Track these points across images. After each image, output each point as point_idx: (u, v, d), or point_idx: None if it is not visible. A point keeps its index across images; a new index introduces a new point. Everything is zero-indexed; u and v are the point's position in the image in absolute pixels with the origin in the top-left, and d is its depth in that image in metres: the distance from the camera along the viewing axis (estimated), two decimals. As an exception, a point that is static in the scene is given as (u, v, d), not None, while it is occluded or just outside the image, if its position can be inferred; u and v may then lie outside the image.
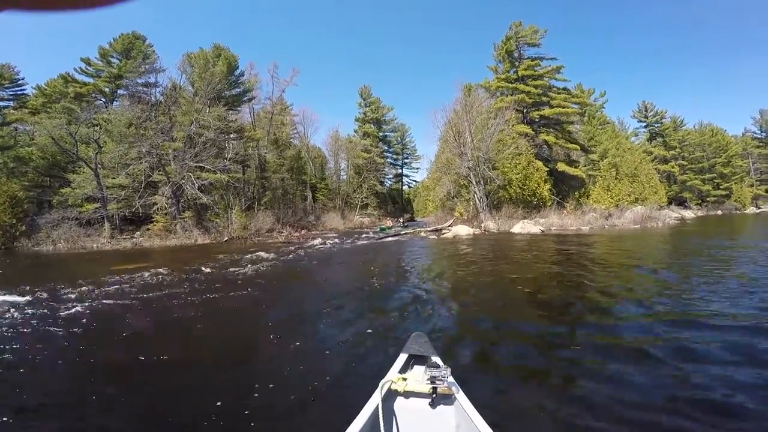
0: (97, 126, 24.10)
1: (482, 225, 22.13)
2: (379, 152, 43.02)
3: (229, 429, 2.62)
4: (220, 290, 7.37)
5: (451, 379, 2.06)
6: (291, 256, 13.08)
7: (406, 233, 21.72)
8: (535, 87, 28.14)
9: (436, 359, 2.32)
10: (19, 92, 29.65)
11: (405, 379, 2.12)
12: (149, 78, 27.92)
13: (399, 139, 49.46)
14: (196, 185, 22.92)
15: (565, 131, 30.06)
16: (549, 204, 25.42)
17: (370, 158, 40.28)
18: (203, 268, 10.09)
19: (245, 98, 30.89)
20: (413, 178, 54.84)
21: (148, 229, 22.36)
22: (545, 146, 28.86)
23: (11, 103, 29.02)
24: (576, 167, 28.74)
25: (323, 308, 5.97)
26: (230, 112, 27.93)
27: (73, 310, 5.97)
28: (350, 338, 4.44)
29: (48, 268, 13.16)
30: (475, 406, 1.90)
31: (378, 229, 24.74)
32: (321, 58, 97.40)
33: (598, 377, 3.29)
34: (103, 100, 28.44)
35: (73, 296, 6.94)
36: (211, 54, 27.82)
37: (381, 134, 46.26)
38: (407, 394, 2.09)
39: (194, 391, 3.31)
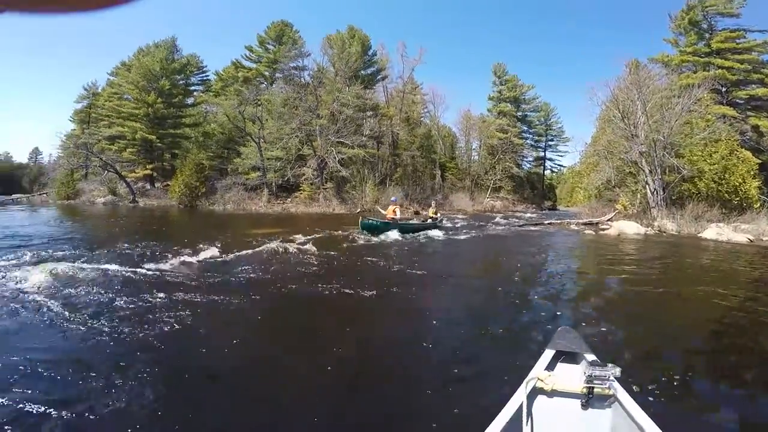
0: (260, 105, 27.34)
1: (655, 223, 17.74)
2: (516, 133, 39.29)
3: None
4: (343, 263, 6.83)
5: (613, 379, 1.82)
6: (427, 234, 12.20)
7: (550, 223, 18.88)
8: (740, 62, 22.35)
9: (591, 356, 2.07)
10: (204, 78, 35.80)
11: (553, 377, 1.94)
12: (298, 62, 30.50)
13: (542, 119, 44.35)
14: (337, 159, 24.41)
15: (790, 115, 22.22)
16: (757, 206, 19.00)
17: (507, 139, 37.02)
18: (335, 239, 9.84)
19: (378, 77, 32.03)
20: (559, 162, 48.54)
21: (296, 197, 24.72)
22: (753, 133, 21.91)
23: (199, 88, 35.26)
24: (806, 159, 20.93)
25: (449, 296, 5.15)
26: (366, 90, 28.90)
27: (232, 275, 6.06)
28: (483, 333, 3.72)
29: (214, 227, 15.12)
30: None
31: (363, 225, 11.01)
32: (449, 35, 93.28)
33: None
34: (264, 83, 32.14)
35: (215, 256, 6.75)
36: (347, 35, 29.23)
37: (520, 114, 42.16)
38: (554, 393, 1.91)
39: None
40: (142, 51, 31.55)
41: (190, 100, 33.64)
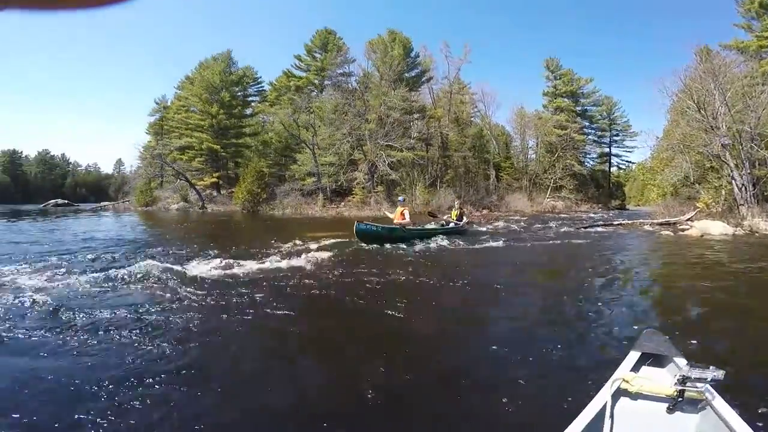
0: (312, 113, 28.33)
1: (745, 223, 15.68)
2: (577, 128, 37.00)
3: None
4: (391, 267, 6.54)
5: (712, 382, 1.70)
6: (473, 236, 11.61)
7: (620, 223, 17.41)
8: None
9: (682, 360, 1.92)
10: (259, 89, 37.51)
11: (638, 378, 1.87)
12: (344, 68, 31.32)
13: (605, 114, 41.43)
14: (387, 162, 24.58)
15: None
16: None
17: (566, 135, 34.98)
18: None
19: (423, 79, 32.09)
20: (626, 159, 44.74)
21: (349, 201, 25.29)
22: None
23: (256, 98, 37.17)
24: None
25: (510, 303, 4.74)
26: (411, 93, 29.02)
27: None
28: (552, 340, 3.41)
29: (272, 230, 15.76)
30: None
31: (358, 232, 8.86)
32: (495, 33, 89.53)
33: None
34: (315, 90, 33.24)
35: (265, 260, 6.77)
36: (387, 39, 29.58)
37: (579, 109, 39.69)
38: (639, 395, 1.84)
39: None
40: (203, 64, 33.88)
41: (248, 111, 35.64)
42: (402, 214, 10.13)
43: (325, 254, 7.45)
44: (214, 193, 31.56)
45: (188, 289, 4.65)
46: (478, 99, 37.35)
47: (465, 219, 12.37)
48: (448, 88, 32.30)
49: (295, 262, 6.66)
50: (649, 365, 2.10)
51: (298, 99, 28.62)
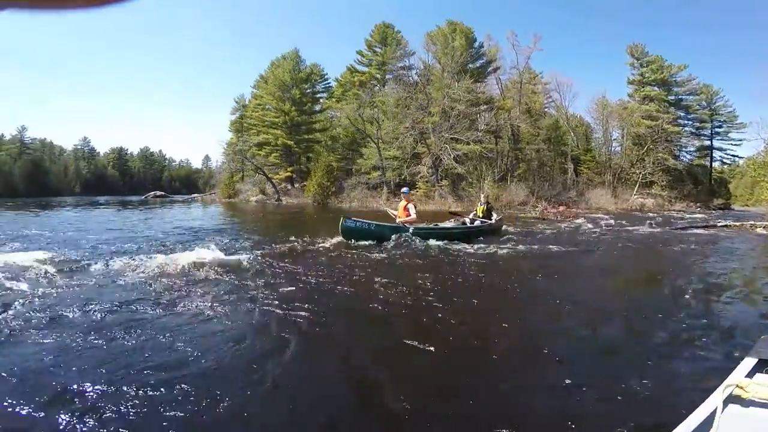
0: (376, 107, 28.74)
1: None
2: (670, 119, 32.85)
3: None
4: (447, 269, 6.12)
5: None
6: (550, 235, 10.83)
7: (725, 225, 15.17)
8: None
9: None
10: (327, 85, 38.37)
11: (754, 385, 1.71)
12: (405, 62, 31.33)
13: (704, 103, 36.20)
14: (452, 156, 24.08)
15: None
16: None
17: (657, 126, 31.21)
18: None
19: (490, 69, 30.81)
20: (732, 153, 38.59)
21: (413, 195, 25.12)
22: None
23: (324, 95, 38.38)
24: None
25: (593, 315, 4.16)
26: (477, 84, 28.13)
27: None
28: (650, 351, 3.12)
29: (336, 222, 16.21)
30: None
31: (344, 230, 7.86)
32: (567, 18, 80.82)
33: None
34: (377, 85, 33.45)
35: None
36: (447, 30, 28.75)
37: (672, 98, 35.18)
38: (753, 403, 1.69)
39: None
40: (274, 63, 35.70)
41: (317, 107, 37.09)
42: (406, 209, 8.35)
43: (381, 248, 7.30)
44: (289, 187, 33.54)
45: (242, 278, 4.80)
46: (552, 89, 34.90)
47: (495, 216, 10.71)
48: (517, 78, 30.65)
49: (347, 255, 6.78)
50: (767, 372, 1.95)
51: (362, 94, 29.18)
